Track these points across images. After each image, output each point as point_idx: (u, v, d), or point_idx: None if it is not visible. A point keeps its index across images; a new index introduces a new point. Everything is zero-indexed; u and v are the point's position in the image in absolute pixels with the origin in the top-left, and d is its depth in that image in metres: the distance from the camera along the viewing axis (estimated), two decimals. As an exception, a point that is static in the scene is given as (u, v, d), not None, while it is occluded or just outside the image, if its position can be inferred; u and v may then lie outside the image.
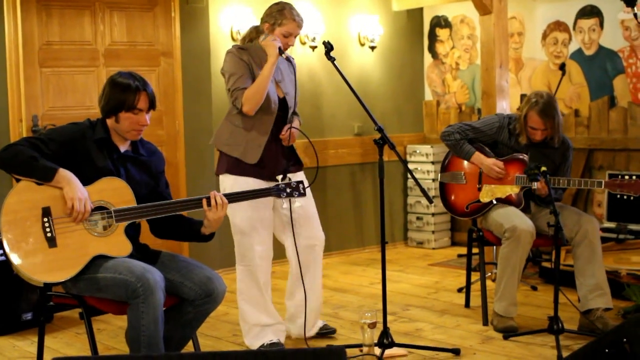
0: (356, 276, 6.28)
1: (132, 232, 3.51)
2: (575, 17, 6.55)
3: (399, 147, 6.30)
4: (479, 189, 4.82)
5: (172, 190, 3.85)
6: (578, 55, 6.56)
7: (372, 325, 4.05)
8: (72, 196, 3.30)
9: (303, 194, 3.73)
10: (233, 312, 5.04)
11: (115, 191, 3.42)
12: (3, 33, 5.35)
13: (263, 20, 4.34)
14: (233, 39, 6.28)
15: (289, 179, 3.73)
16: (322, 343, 4.51)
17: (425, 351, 4.30)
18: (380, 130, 4.01)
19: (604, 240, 5.01)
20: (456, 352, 4.26)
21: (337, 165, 6.99)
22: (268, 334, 4.34)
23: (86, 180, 3.38)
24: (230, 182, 4.30)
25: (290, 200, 4.12)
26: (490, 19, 6.06)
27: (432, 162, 7.16)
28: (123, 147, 3.55)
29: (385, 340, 4.10)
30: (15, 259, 3.27)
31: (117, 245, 3.40)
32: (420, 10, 7.55)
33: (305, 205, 4.37)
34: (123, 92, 3.45)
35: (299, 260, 4.32)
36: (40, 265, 3.28)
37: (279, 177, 3.75)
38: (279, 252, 4.68)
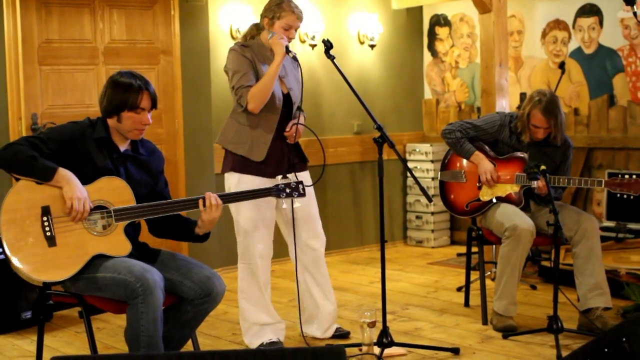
0: (355, 275, 6.27)
1: (132, 232, 3.51)
2: (574, 16, 6.55)
3: (399, 145, 6.29)
4: (479, 188, 4.81)
5: (171, 189, 3.85)
6: (577, 53, 6.56)
7: (372, 325, 4.04)
8: (72, 195, 3.30)
9: (303, 194, 3.72)
10: (232, 311, 5.04)
11: (115, 190, 3.42)
12: (2, 31, 5.34)
13: (262, 15, 4.32)
14: (232, 37, 6.27)
15: (296, 177, 3.72)
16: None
17: (424, 350, 4.29)
18: (379, 128, 4.00)
19: (603, 239, 5.00)
20: (455, 351, 4.25)
21: (337, 163, 6.98)
22: (267, 333, 4.34)
23: (86, 180, 3.38)
24: (235, 180, 4.30)
25: (292, 200, 4.12)
26: (489, 18, 6.05)
27: (432, 161, 7.16)
28: (123, 147, 3.54)
29: (385, 339, 4.09)
30: (14, 258, 3.27)
31: (117, 244, 3.40)
32: (420, 8, 7.54)
33: (306, 205, 4.35)
34: (125, 92, 3.44)
35: (299, 260, 4.32)
36: (39, 264, 3.28)
37: (279, 177, 3.74)
38: (279, 251, 4.67)
